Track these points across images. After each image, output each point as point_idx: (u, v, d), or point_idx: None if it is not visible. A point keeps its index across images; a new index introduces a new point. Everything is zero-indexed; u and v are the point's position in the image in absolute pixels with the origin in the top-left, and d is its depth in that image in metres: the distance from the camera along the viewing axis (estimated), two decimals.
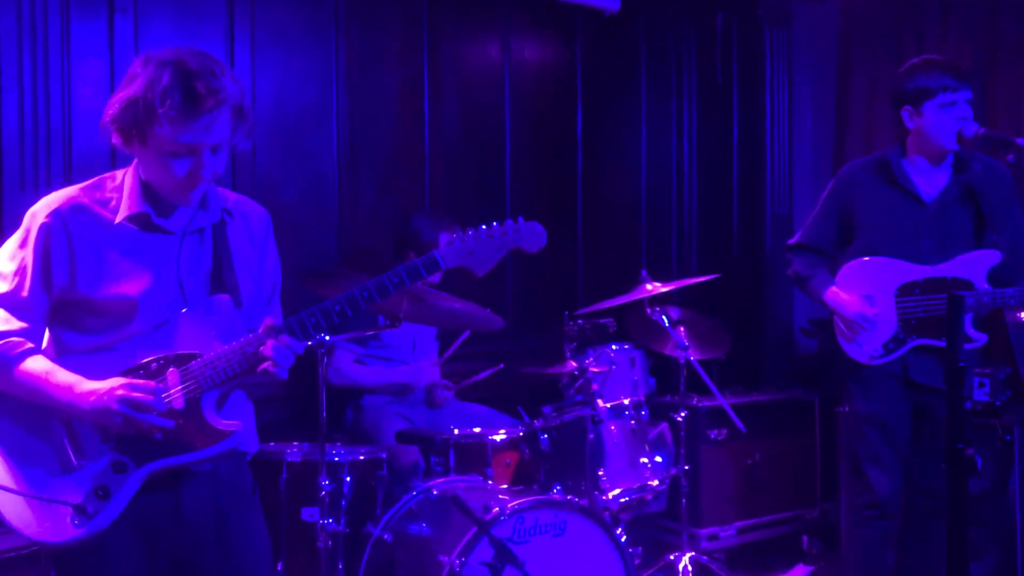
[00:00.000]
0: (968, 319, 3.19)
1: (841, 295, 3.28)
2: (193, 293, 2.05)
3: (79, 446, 1.97)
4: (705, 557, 4.11)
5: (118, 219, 2.00)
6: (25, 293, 1.99)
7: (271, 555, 2.24)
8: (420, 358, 4.05)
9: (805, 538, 4.64)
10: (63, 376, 1.96)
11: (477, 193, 4.79)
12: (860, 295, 3.26)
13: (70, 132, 3.60)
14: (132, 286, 1.99)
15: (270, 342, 1.96)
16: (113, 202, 2.03)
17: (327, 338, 3.00)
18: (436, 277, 3.82)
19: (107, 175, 2.09)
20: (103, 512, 1.93)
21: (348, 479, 3.21)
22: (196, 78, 1.89)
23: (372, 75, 4.44)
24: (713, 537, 4.43)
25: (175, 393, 1.97)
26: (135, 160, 2.03)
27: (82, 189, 2.05)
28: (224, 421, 2.01)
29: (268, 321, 2.00)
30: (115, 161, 3.71)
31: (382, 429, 3.76)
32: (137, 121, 1.91)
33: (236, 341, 2.00)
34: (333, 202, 4.32)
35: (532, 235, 2.16)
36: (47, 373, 1.97)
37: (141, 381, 1.95)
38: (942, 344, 3.17)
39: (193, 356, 2.00)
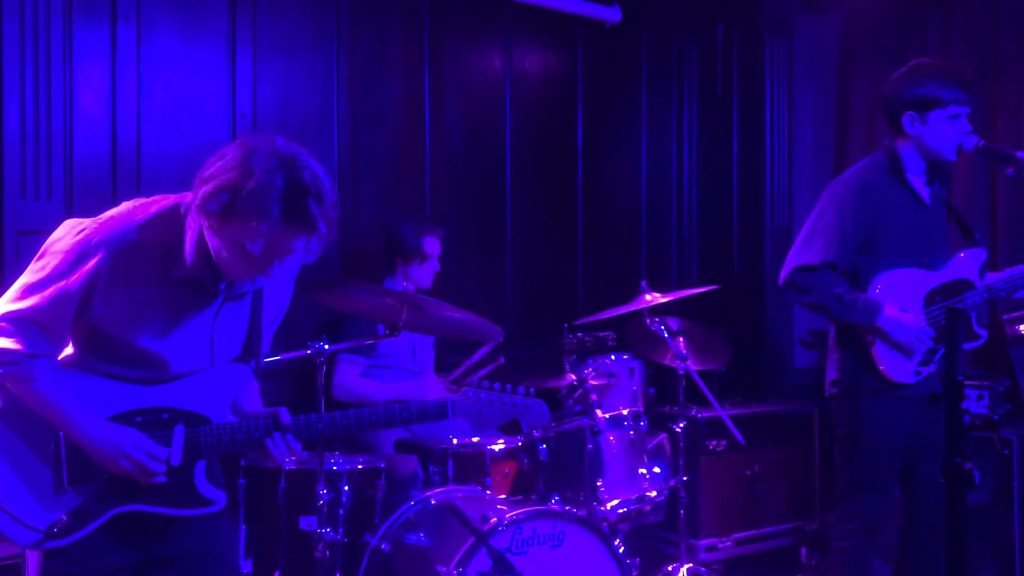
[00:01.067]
0: (973, 317, 3.16)
1: (901, 315, 3.09)
2: (222, 355, 2.09)
3: (73, 470, 2.00)
4: (703, 568, 4.10)
5: (173, 275, 1.96)
6: (60, 316, 1.95)
7: (238, 545, 2.29)
8: (421, 364, 4.05)
9: (804, 550, 4.63)
10: (84, 406, 1.98)
11: (478, 202, 4.80)
12: (900, 310, 3.12)
13: (71, 139, 3.60)
14: (165, 339, 2.01)
15: (277, 435, 2.05)
16: (172, 252, 1.95)
17: (326, 346, 3.01)
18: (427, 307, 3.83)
19: (170, 210, 1.98)
20: (73, 536, 1.98)
21: (346, 488, 3.21)
22: (302, 198, 1.81)
23: (374, 84, 4.45)
24: (711, 548, 4.42)
25: (176, 450, 2.02)
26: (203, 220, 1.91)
27: (138, 228, 1.95)
28: (211, 489, 2.07)
29: (281, 414, 2.06)
30: (116, 169, 3.72)
31: (380, 438, 3.75)
32: (224, 213, 1.82)
33: (245, 420, 2.06)
34: None
35: (536, 414, 2.36)
36: (69, 399, 1.98)
37: (157, 447, 1.99)
38: (969, 344, 3.16)
39: (203, 419, 2.05)
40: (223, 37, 3.99)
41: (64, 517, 1.97)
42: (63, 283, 1.93)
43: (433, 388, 3.91)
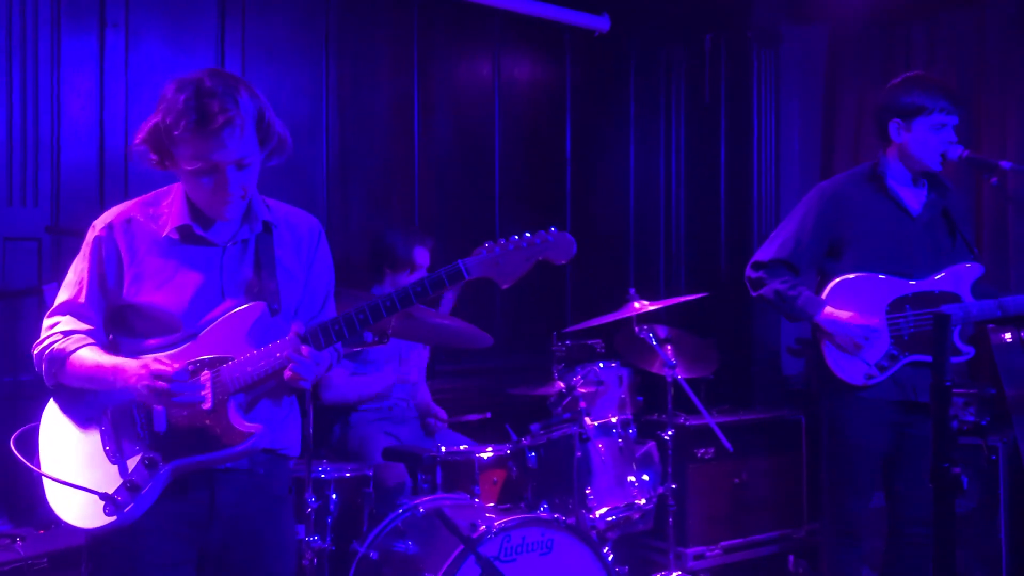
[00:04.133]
0: (956, 332, 3.17)
1: (838, 313, 3.17)
2: (235, 301, 2.14)
3: (117, 442, 2.09)
4: None
5: (164, 232, 2.13)
6: (83, 300, 2.15)
7: (296, 557, 2.27)
8: (409, 371, 4.05)
9: (792, 558, 4.63)
10: (110, 361, 2.09)
11: (467, 210, 4.81)
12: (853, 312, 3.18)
13: (59, 145, 3.59)
14: (176, 293, 2.10)
15: (296, 353, 2.04)
16: (163, 217, 2.15)
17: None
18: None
19: (163, 190, 2.21)
20: (134, 504, 2.03)
21: (334, 496, 3.20)
22: (208, 97, 1.99)
23: (363, 91, 4.45)
24: (700, 556, 4.42)
25: (206, 394, 2.06)
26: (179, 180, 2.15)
27: (137, 203, 2.19)
28: (246, 423, 2.08)
29: (294, 328, 2.07)
30: (103, 176, 3.71)
31: (369, 446, 3.74)
32: (161, 144, 2.04)
33: (264, 347, 2.07)
34: (323, 218, 4.30)
35: (562, 246, 2.15)
36: (96, 361, 2.10)
37: (165, 360, 2.05)
38: (952, 359, 3.16)
39: (226, 359, 2.08)
40: (212, 44, 3.99)
41: (114, 492, 2.03)
42: (81, 267, 2.17)
43: (415, 366, 3.91)
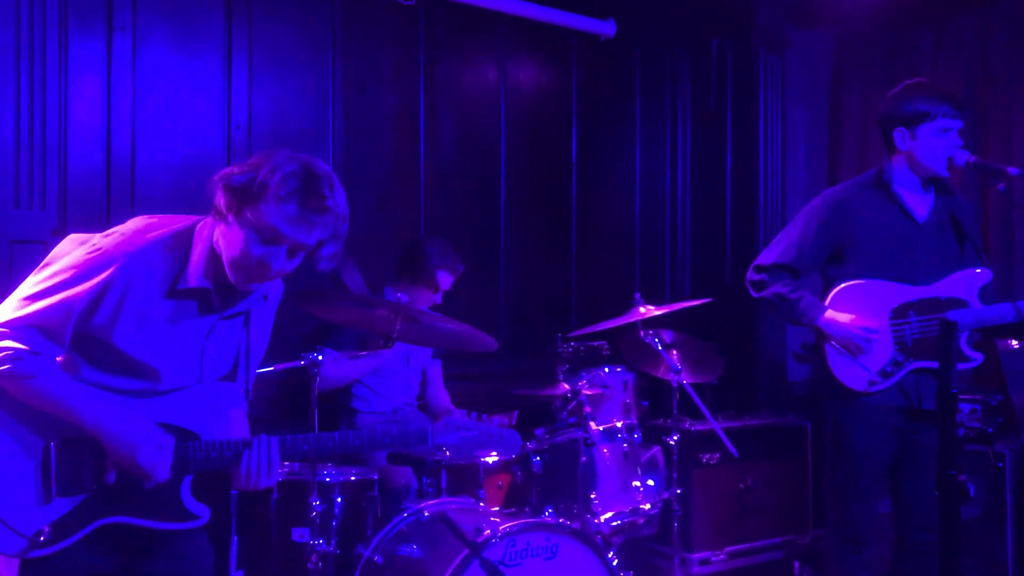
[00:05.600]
0: (964, 338, 3.17)
1: (839, 316, 3.16)
2: (211, 371, 2.13)
3: (61, 481, 2.01)
4: None
5: (183, 286, 2.02)
6: (62, 323, 1.97)
7: (212, 558, 2.29)
8: (414, 374, 4.04)
9: (796, 564, 4.62)
10: (92, 407, 1.99)
11: (472, 214, 4.81)
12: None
13: (66, 150, 3.60)
14: (164, 348, 2.04)
15: (251, 451, 2.06)
16: (181, 265, 2.03)
17: (319, 357, 3.00)
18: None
19: (192, 235, 2.06)
20: (56, 546, 1.99)
21: (339, 500, 3.20)
22: (317, 181, 1.98)
23: (368, 96, 4.46)
24: (705, 562, 4.41)
25: (164, 464, 2.04)
26: (213, 229, 2.04)
27: (162, 245, 2.03)
28: (196, 504, 2.11)
29: (269, 439, 2.08)
30: (110, 179, 3.72)
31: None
32: (246, 189, 1.94)
33: (230, 439, 2.09)
34: None
35: (509, 445, 2.46)
36: (78, 391, 2.00)
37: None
38: (959, 366, 3.15)
39: (193, 435, 2.07)
40: (219, 48, 4.00)
41: (48, 527, 1.98)
42: (69, 293, 1.96)
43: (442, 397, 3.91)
